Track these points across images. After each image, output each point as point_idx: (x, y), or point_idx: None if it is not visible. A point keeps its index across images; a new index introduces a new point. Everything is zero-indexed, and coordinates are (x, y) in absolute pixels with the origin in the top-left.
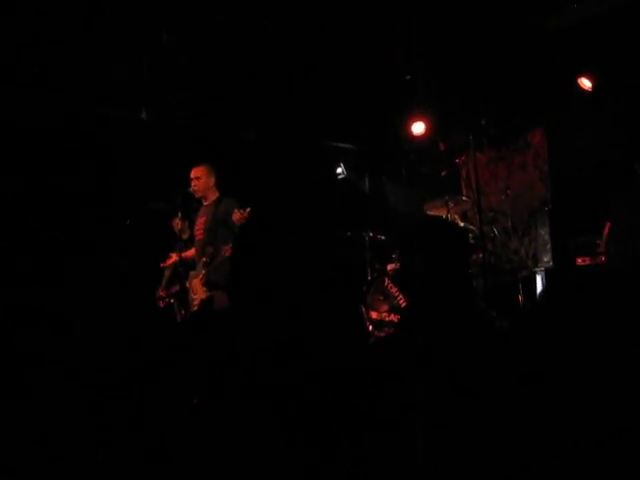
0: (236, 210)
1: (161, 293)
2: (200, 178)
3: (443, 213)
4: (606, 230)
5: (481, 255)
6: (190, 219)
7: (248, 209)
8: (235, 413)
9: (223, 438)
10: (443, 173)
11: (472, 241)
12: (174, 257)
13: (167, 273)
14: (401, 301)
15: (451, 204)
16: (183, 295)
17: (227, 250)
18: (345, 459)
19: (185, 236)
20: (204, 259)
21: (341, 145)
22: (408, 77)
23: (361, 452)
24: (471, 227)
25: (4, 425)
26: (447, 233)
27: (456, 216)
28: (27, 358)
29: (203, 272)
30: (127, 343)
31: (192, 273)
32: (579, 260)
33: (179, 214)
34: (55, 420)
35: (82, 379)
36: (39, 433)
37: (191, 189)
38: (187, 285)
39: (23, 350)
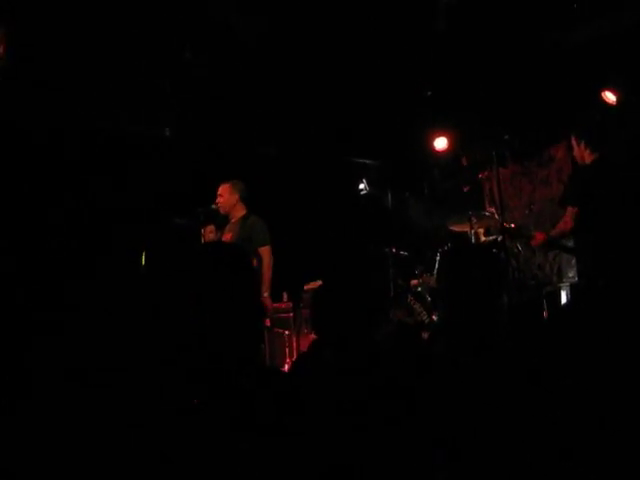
0: None
1: None
2: (222, 195)
3: (466, 229)
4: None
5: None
6: (221, 233)
7: None
8: (238, 414)
9: (224, 438)
10: (466, 188)
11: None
12: None
13: None
14: (424, 317)
15: (474, 220)
16: None
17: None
18: (353, 462)
19: None
20: None
21: (363, 161)
22: (430, 93)
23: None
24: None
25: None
26: (478, 254)
27: (480, 230)
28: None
29: None
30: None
31: None
32: None
33: (212, 226)
34: (56, 419)
35: (89, 380)
36: (39, 432)
37: (215, 206)
38: None
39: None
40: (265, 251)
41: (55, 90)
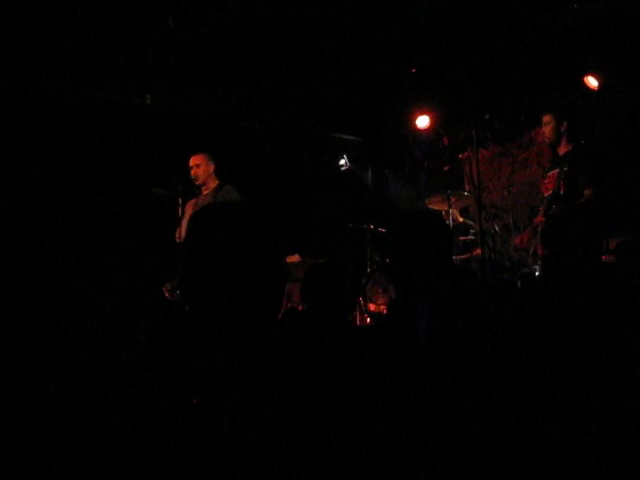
0: None
1: None
2: (200, 165)
3: (444, 208)
4: None
5: (480, 251)
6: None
7: None
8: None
9: (224, 438)
10: (446, 168)
11: (472, 237)
12: None
13: None
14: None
15: (453, 199)
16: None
17: None
18: (347, 455)
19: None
20: None
21: (345, 137)
22: (414, 70)
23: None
24: (471, 223)
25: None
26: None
27: (455, 211)
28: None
29: None
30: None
31: None
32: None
33: (179, 201)
34: (54, 418)
35: (82, 376)
36: (35, 431)
37: (192, 177)
38: None
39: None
40: None
41: (32, 55)
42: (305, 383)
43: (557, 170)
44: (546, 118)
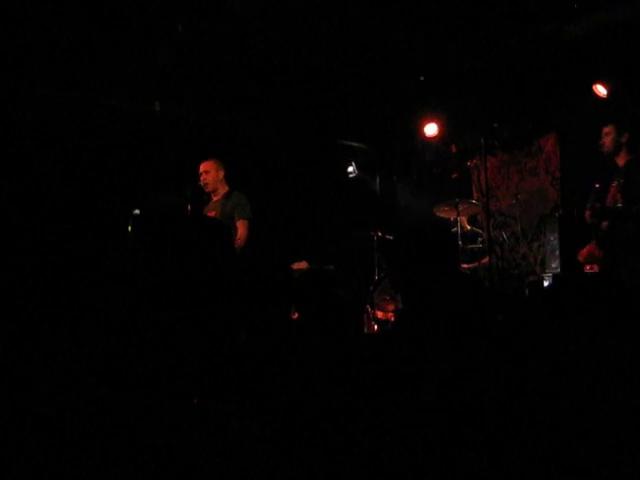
0: None
1: None
2: (209, 172)
3: (452, 216)
4: None
5: (488, 259)
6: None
7: None
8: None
9: (222, 438)
10: (454, 175)
11: (481, 245)
12: None
13: None
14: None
15: (461, 207)
16: None
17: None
18: (348, 458)
19: None
20: None
21: (353, 144)
22: (422, 78)
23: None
24: (479, 231)
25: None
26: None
27: (463, 218)
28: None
29: None
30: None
31: None
32: (587, 267)
33: (189, 207)
34: (52, 419)
35: (80, 380)
36: (33, 432)
37: (201, 183)
38: None
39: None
40: (241, 224)
41: (42, 62)
42: (300, 388)
43: (616, 182)
44: (607, 129)
